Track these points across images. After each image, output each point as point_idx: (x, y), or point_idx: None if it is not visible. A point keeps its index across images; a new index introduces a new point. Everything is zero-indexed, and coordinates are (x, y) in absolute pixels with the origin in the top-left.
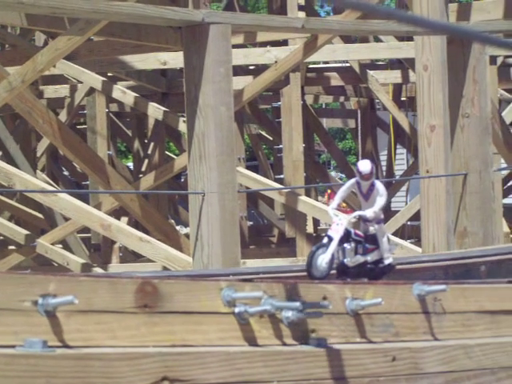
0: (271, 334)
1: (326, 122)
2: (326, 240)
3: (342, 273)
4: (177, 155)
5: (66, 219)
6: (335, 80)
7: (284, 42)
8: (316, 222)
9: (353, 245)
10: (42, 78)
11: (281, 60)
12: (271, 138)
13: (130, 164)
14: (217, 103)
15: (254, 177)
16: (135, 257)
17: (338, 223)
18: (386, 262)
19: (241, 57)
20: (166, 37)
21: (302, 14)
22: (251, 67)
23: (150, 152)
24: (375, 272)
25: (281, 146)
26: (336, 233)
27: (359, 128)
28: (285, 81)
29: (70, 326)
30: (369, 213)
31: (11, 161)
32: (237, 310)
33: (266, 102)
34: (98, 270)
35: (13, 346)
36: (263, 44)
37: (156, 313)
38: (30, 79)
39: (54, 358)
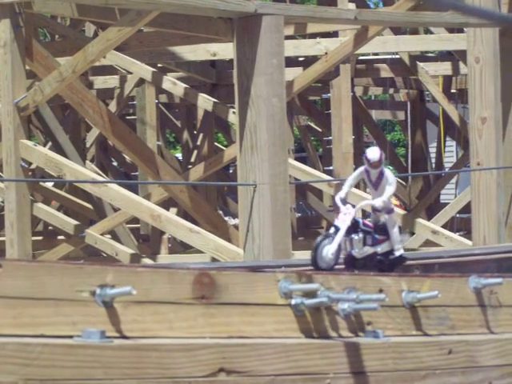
0: (327, 326)
1: (375, 114)
2: (332, 230)
3: (350, 264)
4: (225, 146)
5: (115, 210)
6: (385, 72)
7: (334, 34)
8: (364, 214)
9: (361, 235)
10: (92, 69)
11: (331, 51)
12: (320, 130)
13: (179, 155)
14: (269, 95)
15: (303, 168)
16: (184, 248)
17: (346, 213)
18: (397, 253)
19: (291, 48)
20: (216, 28)
21: (351, 5)
22: (301, 58)
23: (199, 143)
24: (385, 264)
25: (330, 137)
26: (343, 222)
27: (408, 120)
28: (335, 72)
29: (128, 316)
30: (377, 202)
31: (61, 151)
32: (293, 301)
33: (315, 93)
34: (147, 261)
35: (71, 337)
36: (313, 35)
37: (213, 304)
38: (80, 70)
39: (111, 349)
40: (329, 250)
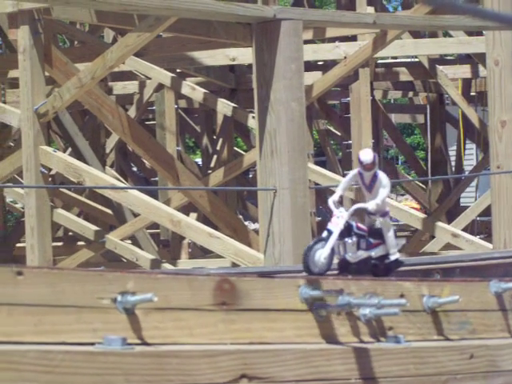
0: (348, 332)
1: (395, 117)
2: (325, 234)
3: (344, 269)
4: (245, 151)
5: (135, 215)
6: (404, 75)
7: (353, 38)
8: None
9: (355, 239)
10: (111, 75)
11: (350, 55)
12: (339, 134)
13: (199, 160)
14: (288, 99)
15: (323, 172)
16: (204, 252)
17: (339, 216)
18: (392, 257)
19: (310, 52)
20: (235, 33)
21: (370, 9)
22: (320, 63)
23: (218, 148)
24: (380, 268)
25: (349, 141)
26: (336, 226)
27: (428, 123)
28: (354, 76)
29: (149, 323)
30: (371, 205)
31: (81, 157)
32: (314, 307)
33: (334, 97)
34: (167, 266)
35: (92, 344)
36: (332, 39)
37: (234, 310)
38: (99, 76)
39: (132, 356)
40: (321, 255)
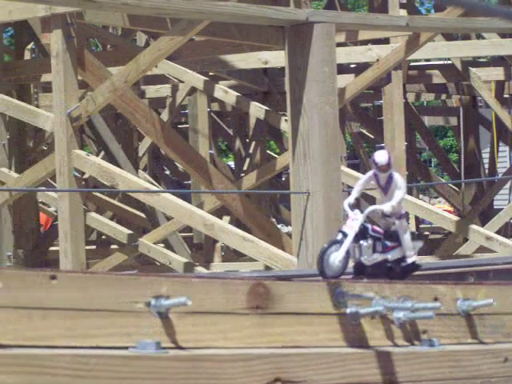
0: (382, 335)
1: (428, 120)
2: (339, 236)
3: (360, 272)
4: (278, 154)
5: (168, 218)
6: (437, 77)
7: (385, 40)
8: (418, 220)
9: (370, 242)
10: (144, 78)
11: (382, 58)
12: (372, 137)
13: (231, 163)
14: (321, 102)
15: (356, 175)
16: (237, 256)
17: (354, 218)
18: (409, 260)
19: (343, 55)
20: (268, 36)
21: (403, 12)
22: (353, 65)
23: (251, 151)
24: (396, 271)
25: (382, 144)
26: (351, 228)
27: (461, 126)
28: (386, 79)
29: (183, 327)
30: (386, 207)
31: (114, 161)
32: (348, 310)
33: (367, 100)
34: (201, 270)
35: (126, 348)
36: (365, 42)
37: (267, 314)
38: (132, 79)
39: (166, 360)
40: (336, 258)
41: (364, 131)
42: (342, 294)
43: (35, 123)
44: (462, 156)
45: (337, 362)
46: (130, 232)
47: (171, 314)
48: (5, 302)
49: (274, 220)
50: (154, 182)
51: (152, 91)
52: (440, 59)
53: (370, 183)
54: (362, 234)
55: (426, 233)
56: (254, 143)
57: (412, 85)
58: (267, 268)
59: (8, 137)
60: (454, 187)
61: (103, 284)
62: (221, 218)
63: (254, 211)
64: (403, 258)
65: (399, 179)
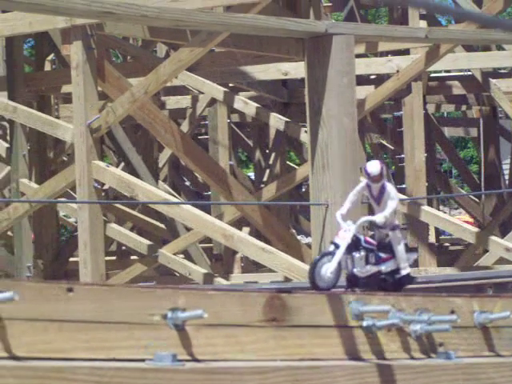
0: (399, 348)
1: (448, 131)
2: (332, 248)
3: (353, 284)
4: (298, 165)
5: (188, 229)
6: (457, 89)
7: (405, 51)
8: (438, 232)
9: (363, 253)
10: (164, 89)
11: (402, 69)
12: (392, 148)
13: (251, 174)
14: (340, 114)
15: None
16: (257, 267)
17: (346, 229)
18: (404, 272)
19: (362, 66)
20: (288, 47)
21: (423, 23)
22: (373, 76)
23: (271, 162)
24: (390, 283)
25: (402, 155)
26: (343, 240)
27: (481, 136)
28: (406, 90)
29: (199, 339)
30: (378, 218)
31: (134, 171)
32: (365, 323)
33: (387, 111)
34: (220, 280)
35: (143, 360)
36: (384, 53)
37: (284, 326)
38: (152, 90)
39: (183, 372)
40: (328, 269)
41: (384, 142)
42: (359, 306)
43: (55, 134)
44: (482, 167)
45: (353, 375)
46: (150, 243)
47: (188, 327)
48: (21, 314)
49: (293, 231)
50: (173, 192)
51: (172, 102)
52: (460, 70)
53: (362, 194)
54: (354, 245)
55: (446, 244)
56: (273, 154)
57: (432, 96)
58: (286, 279)
59: (28, 147)
60: (474, 198)
61: (120, 296)
62: (240, 229)
63: (274, 222)
64: (397, 270)
65: (392, 190)
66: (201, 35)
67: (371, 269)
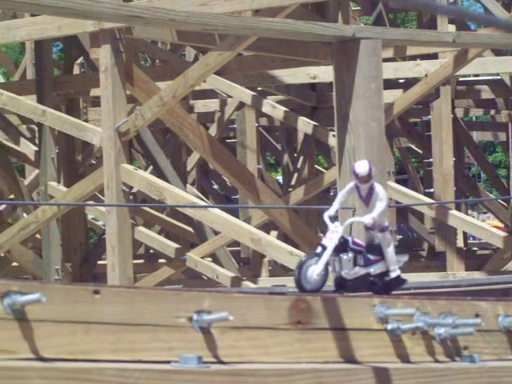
0: (423, 351)
1: (476, 135)
2: (319, 249)
3: (341, 286)
4: (326, 169)
5: (216, 233)
6: (486, 93)
7: (434, 55)
8: (466, 236)
9: (351, 255)
10: (193, 93)
11: (431, 73)
12: (421, 152)
13: (280, 178)
14: (367, 119)
15: (403, 191)
16: (285, 270)
17: (334, 231)
18: (393, 274)
19: (390, 70)
20: (316, 51)
21: (452, 27)
22: (401, 80)
23: (299, 166)
24: (379, 286)
25: (431, 159)
26: (330, 241)
27: (510, 141)
28: (435, 94)
29: (224, 342)
30: (366, 219)
31: (162, 175)
32: (389, 326)
33: (415, 115)
34: (248, 284)
35: (168, 362)
36: (413, 57)
37: (309, 329)
38: (180, 94)
39: (208, 374)
40: (314, 271)
41: (412, 146)
42: (383, 310)
43: (84, 137)
44: (511, 171)
45: (378, 378)
46: (178, 246)
47: (213, 329)
48: (48, 316)
49: (321, 235)
50: (201, 196)
51: (200, 106)
52: (489, 74)
53: (351, 195)
54: (342, 246)
55: (475, 248)
56: (302, 158)
57: (461, 100)
58: None
59: (57, 151)
60: (502, 203)
61: (146, 299)
62: (268, 233)
63: (302, 226)
64: (387, 273)
65: (380, 190)
66: (229, 39)
67: (359, 271)
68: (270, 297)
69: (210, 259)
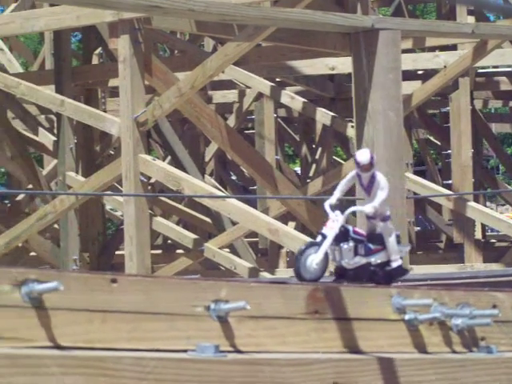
0: (440, 341)
1: (495, 127)
2: (319, 238)
3: (341, 276)
4: (344, 160)
5: (234, 223)
6: (505, 84)
7: (453, 47)
8: (484, 228)
9: (351, 244)
10: (211, 84)
11: (450, 65)
12: (439, 143)
13: (298, 169)
14: (386, 109)
15: (421, 182)
16: None
17: (334, 219)
18: (394, 264)
19: (409, 61)
20: (334, 42)
21: (471, 18)
22: (420, 72)
23: (317, 157)
24: (380, 276)
25: (449, 151)
26: (330, 230)
27: None
28: (453, 86)
29: (241, 331)
30: (367, 208)
31: (180, 165)
32: (407, 317)
33: (434, 106)
34: (265, 275)
35: (185, 351)
36: (432, 48)
37: (326, 319)
38: (199, 85)
39: (225, 363)
40: (313, 260)
41: (431, 138)
42: (400, 300)
43: (102, 127)
44: None
45: (395, 368)
46: (196, 237)
47: (230, 318)
48: (65, 305)
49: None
50: (219, 187)
51: (219, 96)
52: (508, 66)
53: (352, 183)
54: (343, 236)
55: (493, 240)
56: (320, 149)
57: (479, 92)
58: (331, 273)
59: (75, 141)
60: None
61: (163, 288)
62: (286, 224)
63: (320, 217)
64: (388, 262)
65: (382, 179)
66: (247, 29)
67: (360, 260)
68: (286, 286)
69: (227, 250)
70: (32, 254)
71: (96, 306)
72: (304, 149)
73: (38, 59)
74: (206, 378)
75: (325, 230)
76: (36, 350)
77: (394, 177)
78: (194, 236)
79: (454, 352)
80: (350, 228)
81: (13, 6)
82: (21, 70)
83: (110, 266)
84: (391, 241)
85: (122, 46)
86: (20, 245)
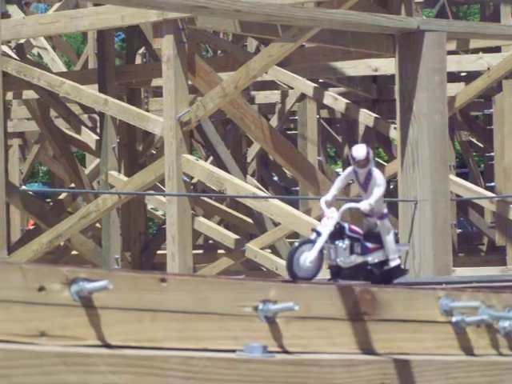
0: (488, 344)
1: None
2: (313, 236)
3: (336, 275)
4: (386, 161)
5: (276, 224)
6: None
7: (497, 49)
8: None
9: (347, 242)
10: (254, 84)
11: (493, 67)
12: (482, 146)
13: (340, 170)
14: (431, 111)
15: (464, 184)
16: None
17: (329, 217)
18: (392, 263)
19: (453, 63)
20: (378, 43)
21: None
22: (463, 74)
23: None
24: (377, 275)
25: (492, 153)
26: (325, 227)
27: None
28: (497, 88)
29: (289, 331)
30: (363, 205)
31: (222, 166)
32: (454, 319)
33: (477, 108)
34: None
35: (233, 351)
36: (475, 50)
37: (374, 320)
38: (242, 85)
39: (273, 363)
40: (307, 258)
41: (473, 140)
42: (448, 302)
43: (145, 127)
44: None
45: (441, 370)
46: (238, 237)
47: (278, 319)
48: (115, 304)
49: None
50: (261, 187)
51: (262, 97)
52: None
53: (349, 180)
54: (338, 233)
55: None
56: None
57: None
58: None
59: (118, 140)
60: None
61: (212, 287)
62: None
63: (361, 218)
64: (386, 262)
65: (378, 176)
66: (291, 30)
67: (356, 259)
68: (335, 287)
69: (269, 250)
70: (74, 252)
71: (145, 305)
72: (346, 150)
73: (81, 58)
74: (254, 378)
75: (320, 228)
76: (85, 349)
77: (438, 179)
78: (235, 236)
79: (501, 355)
80: (346, 225)
81: (57, 5)
82: (64, 69)
83: (151, 266)
84: (389, 239)
85: (165, 45)
86: (62, 243)
